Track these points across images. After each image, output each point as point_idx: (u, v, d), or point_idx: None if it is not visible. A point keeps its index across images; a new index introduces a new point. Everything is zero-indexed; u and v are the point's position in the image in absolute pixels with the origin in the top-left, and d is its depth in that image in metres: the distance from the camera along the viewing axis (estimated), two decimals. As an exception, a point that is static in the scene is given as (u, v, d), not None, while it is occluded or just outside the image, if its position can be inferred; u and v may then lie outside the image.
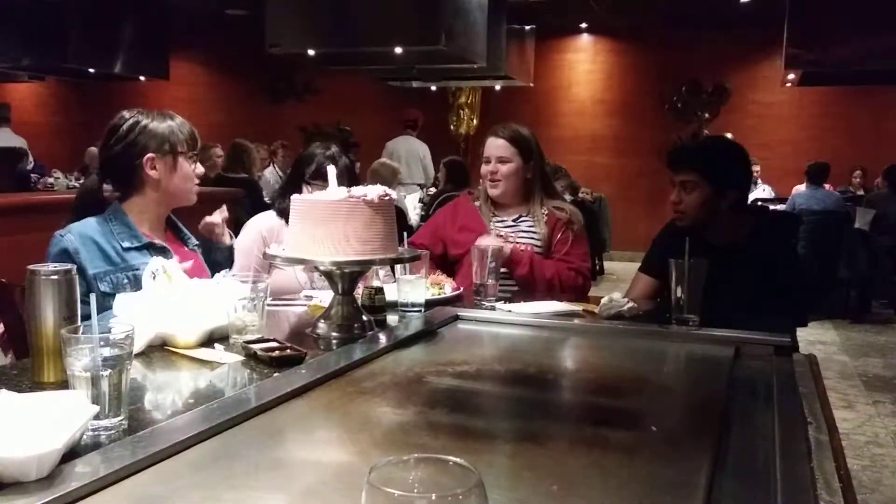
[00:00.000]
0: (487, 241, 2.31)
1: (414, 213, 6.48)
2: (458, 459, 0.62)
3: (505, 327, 1.97)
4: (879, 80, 8.14)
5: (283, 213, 2.55)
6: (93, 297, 1.16)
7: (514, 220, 2.66)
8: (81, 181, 8.15)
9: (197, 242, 2.17)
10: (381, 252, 1.70)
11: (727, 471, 1.06)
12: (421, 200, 6.92)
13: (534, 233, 2.62)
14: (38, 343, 1.31)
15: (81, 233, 1.90)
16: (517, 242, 2.57)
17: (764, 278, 2.21)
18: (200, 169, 2.10)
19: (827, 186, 7.21)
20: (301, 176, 2.56)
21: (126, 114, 2.02)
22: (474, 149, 8.55)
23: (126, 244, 1.90)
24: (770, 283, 2.22)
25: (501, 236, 2.55)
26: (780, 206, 6.96)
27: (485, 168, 2.67)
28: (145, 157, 1.96)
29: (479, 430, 1.30)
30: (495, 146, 2.65)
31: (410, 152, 8.08)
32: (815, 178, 6.97)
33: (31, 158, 9.18)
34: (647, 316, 1.98)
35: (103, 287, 1.82)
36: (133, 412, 1.17)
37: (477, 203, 2.74)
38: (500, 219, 2.67)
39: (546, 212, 2.64)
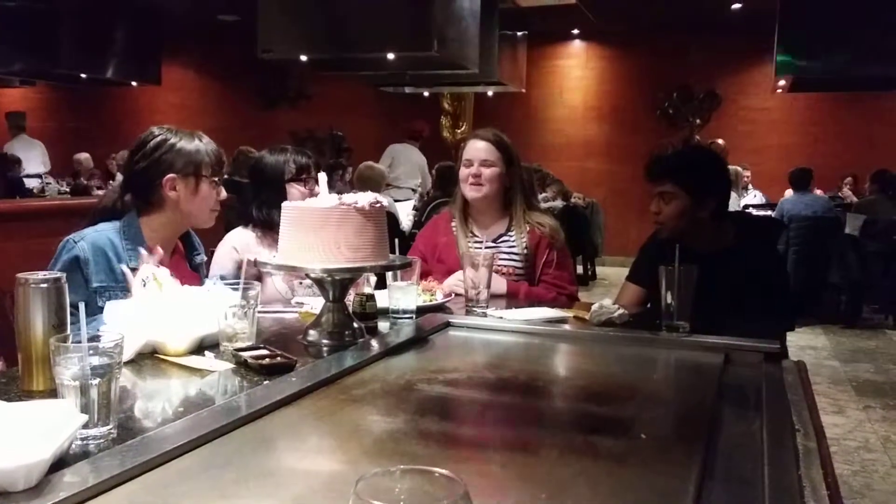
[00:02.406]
0: (455, 280, 2.33)
1: (407, 219, 6.48)
2: (443, 470, 0.62)
3: (496, 334, 1.98)
4: (869, 87, 8.19)
5: (256, 225, 2.51)
6: (82, 305, 1.15)
7: (494, 241, 2.55)
8: (72, 186, 8.15)
9: (204, 258, 2.16)
10: (372, 259, 1.70)
11: (716, 478, 1.07)
12: (415, 208, 6.93)
13: (515, 254, 2.54)
14: (26, 351, 1.31)
15: (94, 243, 1.89)
16: (498, 266, 2.47)
17: (749, 284, 2.22)
18: (224, 193, 2.07)
19: (818, 192, 7.23)
20: (279, 181, 2.52)
21: (155, 130, 2.01)
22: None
23: (133, 264, 1.86)
24: (756, 288, 2.22)
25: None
26: (769, 212, 6.98)
27: (465, 171, 2.55)
28: (166, 178, 1.95)
29: (469, 439, 1.31)
30: (478, 149, 2.56)
31: (410, 160, 8.05)
32: (797, 183, 6.94)
33: (47, 163, 9.13)
34: (638, 323, 1.98)
35: (101, 302, 1.78)
36: (122, 421, 1.17)
37: (454, 224, 2.61)
38: (478, 239, 2.54)
39: (528, 227, 2.56)
